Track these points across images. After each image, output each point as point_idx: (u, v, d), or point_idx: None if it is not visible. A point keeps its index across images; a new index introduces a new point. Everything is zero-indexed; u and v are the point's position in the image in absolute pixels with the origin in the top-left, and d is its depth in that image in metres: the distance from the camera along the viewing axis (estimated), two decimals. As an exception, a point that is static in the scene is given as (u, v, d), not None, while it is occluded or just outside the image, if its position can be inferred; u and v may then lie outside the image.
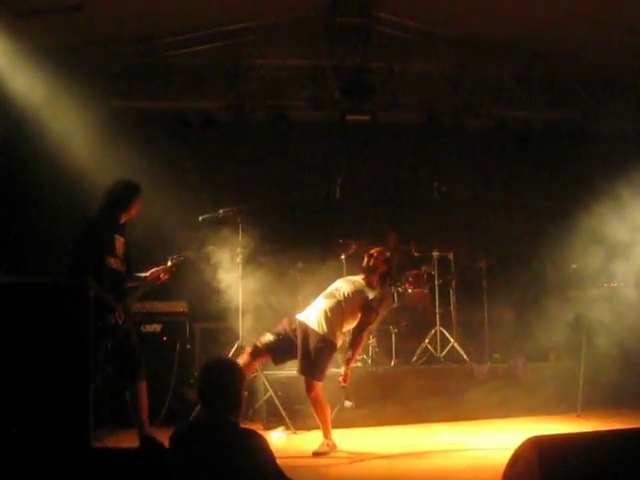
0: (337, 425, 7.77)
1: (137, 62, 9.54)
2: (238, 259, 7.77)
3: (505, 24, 9.30)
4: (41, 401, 4.44)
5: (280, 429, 7.66)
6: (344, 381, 6.59)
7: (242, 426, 3.71)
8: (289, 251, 9.42)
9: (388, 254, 7.04)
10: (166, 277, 6.56)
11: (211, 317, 9.03)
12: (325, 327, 6.63)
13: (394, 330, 8.77)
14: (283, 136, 9.85)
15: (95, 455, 4.29)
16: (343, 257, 9.04)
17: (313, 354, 6.57)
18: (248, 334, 7.83)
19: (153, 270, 6.50)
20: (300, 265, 9.44)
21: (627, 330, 8.48)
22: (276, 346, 6.66)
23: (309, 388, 6.56)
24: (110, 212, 6.20)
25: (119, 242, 6.22)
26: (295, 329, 6.72)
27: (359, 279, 6.91)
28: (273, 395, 7.68)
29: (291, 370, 8.59)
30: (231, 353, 7.69)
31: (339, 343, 6.81)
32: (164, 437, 3.76)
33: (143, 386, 6.09)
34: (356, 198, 10.01)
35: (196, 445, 3.56)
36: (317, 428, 7.70)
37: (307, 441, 7.30)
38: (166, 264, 6.56)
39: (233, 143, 9.97)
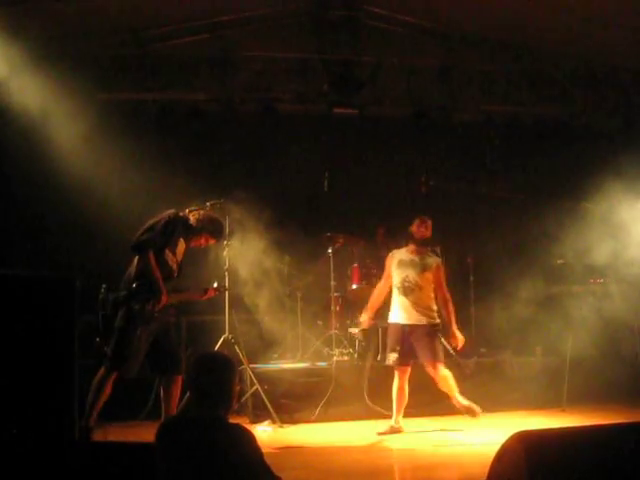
0: (324, 419, 7.80)
1: (124, 53, 9.47)
2: (225, 252, 7.73)
3: (494, 19, 9.31)
4: (25, 393, 4.40)
5: (266, 423, 7.65)
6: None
7: (230, 421, 3.69)
8: (276, 244, 9.40)
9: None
10: (209, 296, 6.78)
11: (198, 310, 9.01)
12: (427, 314, 7.32)
13: (380, 324, 8.75)
14: (271, 129, 9.81)
15: (80, 448, 4.25)
16: (330, 250, 9.02)
17: (434, 342, 7.26)
18: (234, 327, 7.79)
19: (212, 288, 6.75)
20: (287, 258, 9.43)
21: (613, 326, 8.50)
22: (404, 356, 7.29)
23: (436, 371, 7.25)
24: (189, 226, 6.46)
25: (182, 246, 6.42)
26: (405, 332, 7.33)
27: (412, 256, 7.46)
28: (259, 389, 7.66)
29: (276, 364, 8.62)
30: (217, 347, 7.66)
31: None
32: (149, 430, 3.73)
33: (179, 379, 6.15)
34: (344, 191, 9.98)
35: (183, 438, 3.53)
36: (303, 422, 7.74)
37: (293, 434, 7.30)
38: (212, 287, 6.79)
39: (220, 135, 9.92)
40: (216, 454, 3.42)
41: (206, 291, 6.68)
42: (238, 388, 3.83)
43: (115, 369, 5.97)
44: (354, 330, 8.78)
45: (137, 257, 6.13)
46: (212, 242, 6.75)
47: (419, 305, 7.32)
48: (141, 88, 9.60)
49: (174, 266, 6.32)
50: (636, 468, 3.85)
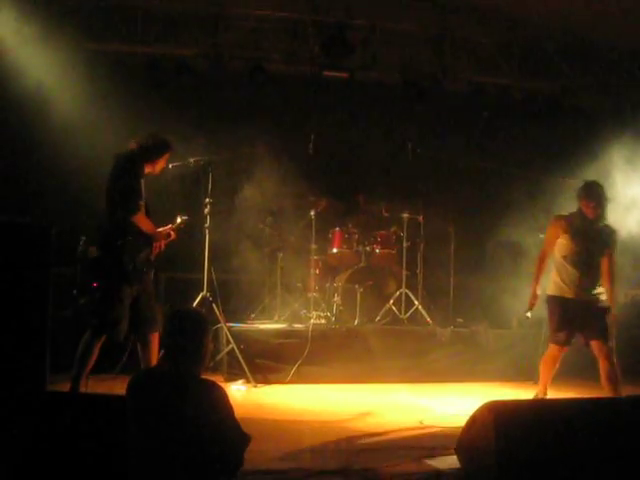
0: (298, 381, 7.84)
1: (114, 5, 9.33)
2: (206, 210, 7.68)
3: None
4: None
5: (240, 382, 7.67)
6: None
7: (203, 377, 3.69)
8: (258, 204, 9.37)
9: None
10: (174, 237, 6.44)
11: (177, 267, 8.99)
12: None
13: (359, 289, 8.77)
14: (259, 88, 9.72)
15: (50, 398, 4.24)
16: (313, 213, 9.01)
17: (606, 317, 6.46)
18: (213, 285, 7.77)
19: (165, 228, 6.34)
20: (270, 219, 9.41)
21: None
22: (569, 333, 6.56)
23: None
24: (138, 158, 6.09)
25: (143, 187, 6.10)
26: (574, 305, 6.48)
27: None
28: (235, 348, 7.66)
29: (253, 324, 8.63)
30: (195, 304, 7.65)
31: None
32: (123, 384, 3.72)
33: (156, 336, 5.99)
34: (329, 155, 9.94)
35: (154, 392, 3.54)
36: (277, 382, 7.77)
37: (267, 395, 7.33)
38: (174, 222, 6.43)
39: (207, 92, 9.82)
40: (186, 409, 3.43)
41: (168, 235, 6.32)
42: (212, 345, 3.82)
43: (104, 332, 5.83)
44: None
45: (105, 207, 5.93)
46: (167, 157, 6.41)
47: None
48: (130, 41, 9.47)
49: (145, 210, 6.08)
50: (599, 441, 3.91)
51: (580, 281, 6.42)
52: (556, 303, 6.55)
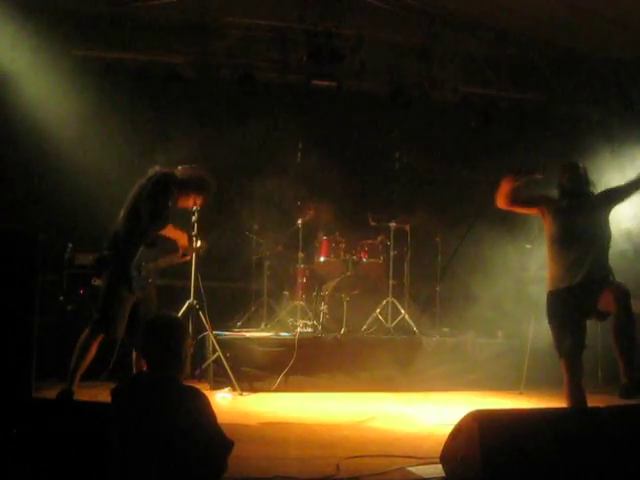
0: (284, 389, 7.84)
1: (103, 11, 9.31)
2: (193, 218, 7.67)
3: (479, 2, 9.29)
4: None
5: (226, 390, 7.67)
6: None
7: (185, 384, 3.70)
8: (246, 212, 9.39)
9: None
10: (189, 259, 6.70)
11: (164, 274, 8.96)
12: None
13: (346, 298, 8.79)
14: (247, 96, 9.72)
15: (35, 405, 4.23)
16: (300, 221, 9.03)
17: None
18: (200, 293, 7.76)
19: (188, 247, 6.62)
20: (256, 227, 9.43)
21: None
22: None
23: None
24: (179, 185, 6.22)
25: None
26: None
27: None
28: (221, 355, 7.66)
29: (239, 332, 8.63)
30: (181, 312, 7.64)
31: None
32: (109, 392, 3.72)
33: None
34: (316, 164, 9.95)
35: (137, 400, 3.54)
36: (263, 391, 7.77)
37: (253, 403, 7.33)
38: (195, 244, 6.68)
39: (196, 100, 9.82)
40: (169, 416, 3.43)
41: (185, 254, 6.62)
42: (190, 350, 3.84)
43: (101, 331, 5.87)
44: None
45: (124, 215, 6.01)
46: (200, 203, 6.55)
47: None
48: (119, 48, 9.45)
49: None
50: (584, 450, 3.93)
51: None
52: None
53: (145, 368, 5.59)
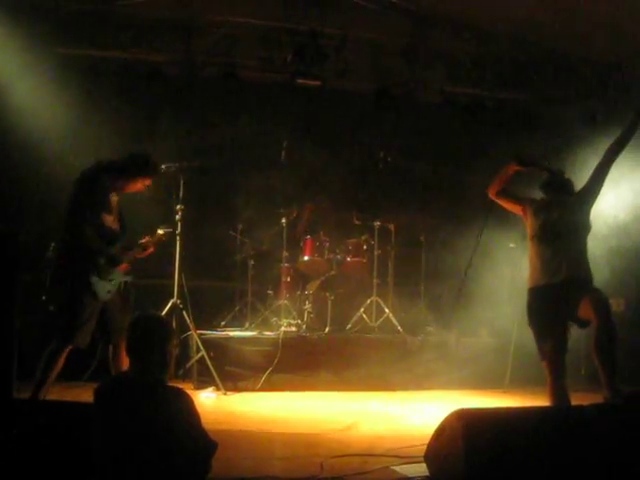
0: (269, 389, 7.83)
1: (87, 9, 9.25)
2: (177, 217, 7.65)
3: (464, 2, 9.31)
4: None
5: (210, 389, 7.65)
6: None
7: (169, 384, 3.68)
8: (230, 211, 9.37)
9: None
10: (153, 250, 6.37)
11: (147, 273, 8.93)
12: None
13: (330, 297, 8.79)
14: (232, 95, 9.70)
15: (17, 406, 4.20)
16: (284, 221, 9.02)
17: None
18: (183, 292, 7.74)
19: (146, 239, 6.31)
20: (240, 226, 9.41)
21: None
22: None
23: None
24: (112, 170, 5.98)
25: (114, 201, 6.00)
26: None
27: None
28: (205, 355, 7.64)
29: (223, 331, 8.61)
30: (165, 311, 7.62)
31: None
32: (91, 392, 3.70)
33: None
34: (301, 163, 9.95)
35: (121, 400, 3.52)
36: (247, 390, 7.76)
37: (237, 402, 7.31)
38: (154, 235, 6.39)
39: (179, 98, 9.78)
40: (152, 417, 3.41)
41: (145, 248, 6.28)
42: (176, 350, 3.82)
43: (68, 342, 5.73)
44: None
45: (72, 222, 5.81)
46: (149, 183, 6.24)
47: None
48: (103, 46, 9.39)
49: (114, 226, 5.99)
50: (567, 448, 3.94)
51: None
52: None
53: (124, 368, 5.59)
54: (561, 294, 5.54)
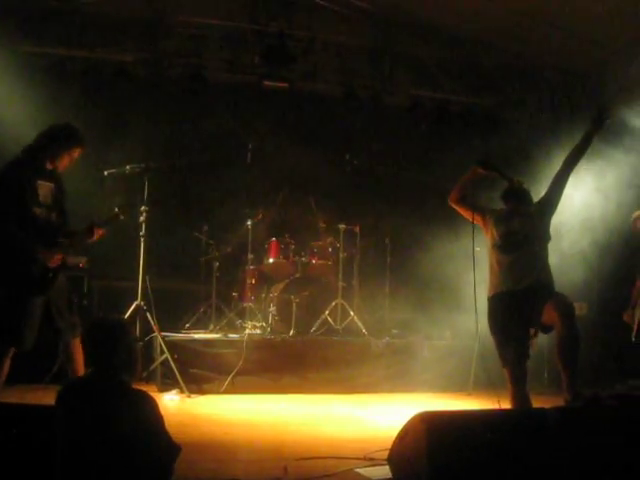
0: (233, 391, 7.80)
1: (52, 7, 9.16)
2: (142, 218, 7.60)
3: (431, 6, 9.37)
4: None
5: (174, 392, 7.60)
6: None
7: (132, 387, 3.65)
8: (195, 213, 9.33)
9: None
10: (102, 232, 6.05)
11: (111, 275, 8.87)
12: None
13: (295, 300, 8.78)
14: (198, 96, 9.66)
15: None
16: (249, 223, 9.00)
17: None
18: (147, 294, 7.69)
19: (87, 231, 5.96)
20: (205, 228, 9.38)
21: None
22: None
23: None
24: (33, 156, 5.70)
25: (45, 188, 5.68)
26: None
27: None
28: (169, 357, 7.58)
29: (188, 333, 8.56)
30: (128, 313, 7.57)
31: None
32: (53, 394, 3.66)
33: (78, 341, 5.57)
34: (267, 165, 9.94)
35: (84, 403, 3.48)
36: (212, 393, 7.72)
37: (201, 405, 7.27)
38: (92, 226, 5.98)
39: (146, 99, 9.72)
40: (115, 419, 3.38)
41: (91, 229, 5.92)
42: (136, 354, 3.77)
43: (9, 345, 5.49)
44: None
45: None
46: (78, 151, 5.90)
47: None
48: (69, 45, 9.31)
49: (45, 215, 5.67)
50: (529, 451, 3.97)
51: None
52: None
53: (79, 368, 5.51)
54: (524, 300, 5.56)
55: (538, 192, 6.01)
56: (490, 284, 5.83)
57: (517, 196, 5.83)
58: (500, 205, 5.99)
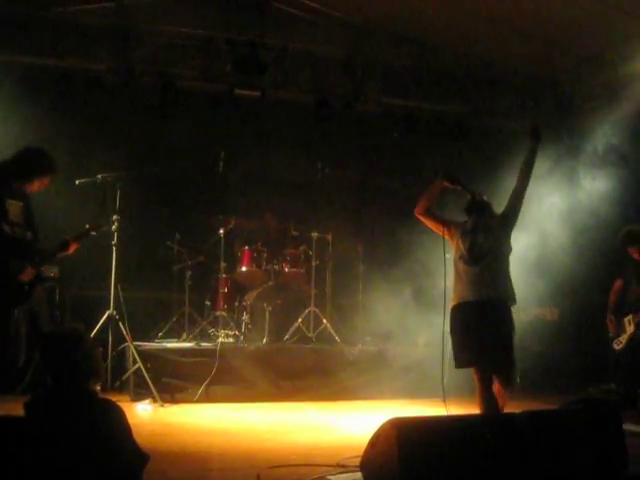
0: (206, 400, 7.78)
1: (24, 15, 9.10)
2: (114, 227, 7.57)
3: (400, 13, 9.44)
4: None
5: (147, 401, 7.57)
6: None
7: (99, 396, 3.63)
8: (167, 222, 9.30)
9: None
10: (75, 246, 6.19)
11: (83, 284, 8.82)
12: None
13: (268, 308, 8.78)
14: (170, 104, 9.64)
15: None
16: (222, 231, 8.99)
17: None
18: (120, 304, 7.66)
19: (60, 245, 6.13)
20: (177, 236, 9.36)
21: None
22: None
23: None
24: (3, 176, 5.80)
25: (15, 207, 5.81)
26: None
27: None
28: (142, 367, 7.55)
29: (160, 342, 8.54)
30: (101, 322, 7.54)
31: None
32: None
33: None
34: (239, 173, 9.94)
35: (51, 413, 3.46)
36: (185, 402, 7.69)
37: (174, 414, 7.25)
38: (67, 242, 6.17)
39: (118, 108, 9.68)
40: (83, 429, 3.36)
41: (65, 244, 6.10)
42: (98, 362, 3.75)
43: None
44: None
45: None
46: (49, 179, 6.08)
47: None
48: (40, 53, 9.24)
49: (17, 233, 5.81)
50: (500, 455, 4.01)
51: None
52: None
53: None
54: (482, 310, 5.73)
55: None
56: (454, 294, 5.94)
57: (479, 209, 5.95)
58: (463, 217, 6.07)
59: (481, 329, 5.71)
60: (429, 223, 6.19)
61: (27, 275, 5.69)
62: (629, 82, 9.24)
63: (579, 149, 9.89)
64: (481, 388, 5.72)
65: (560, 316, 9.92)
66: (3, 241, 5.65)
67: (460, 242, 5.93)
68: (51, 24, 9.20)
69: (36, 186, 6.00)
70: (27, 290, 5.69)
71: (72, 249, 6.14)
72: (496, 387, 5.71)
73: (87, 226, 6.27)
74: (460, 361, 5.83)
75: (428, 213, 6.10)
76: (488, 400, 5.67)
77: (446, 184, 5.97)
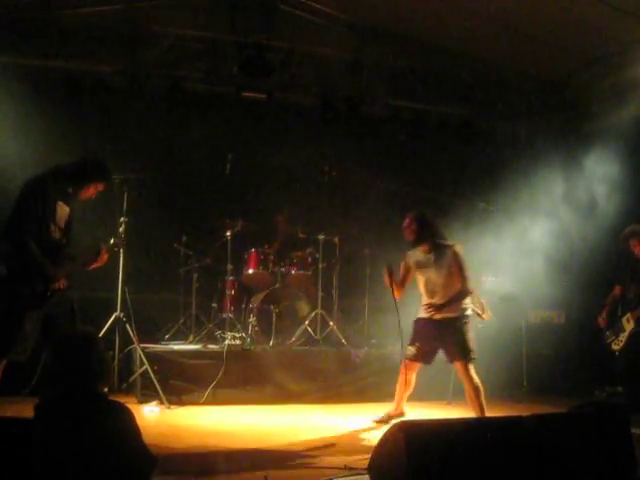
0: (213, 402, 7.78)
1: (30, 17, 9.12)
2: (121, 229, 7.58)
3: (408, 17, 9.44)
4: None
5: (154, 403, 7.57)
6: None
7: (109, 399, 3.63)
8: (174, 224, 9.30)
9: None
10: (103, 262, 6.25)
11: (89, 286, 8.82)
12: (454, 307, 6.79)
13: (275, 310, 8.78)
14: (177, 107, 9.65)
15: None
16: (228, 234, 8.99)
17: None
18: (127, 305, 7.66)
19: (91, 255, 6.17)
20: (184, 239, 9.36)
21: (503, 324, 8.76)
22: (420, 353, 7.00)
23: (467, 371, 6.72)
24: (58, 177, 5.84)
25: (62, 210, 5.86)
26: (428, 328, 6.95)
27: (422, 251, 7.02)
28: (149, 369, 7.56)
29: (167, 344, 8.54)
30: (108, 324, 7.55)
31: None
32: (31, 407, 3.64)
33: None
34: (246, 176, 9.94)
35: (61, 416, 3.46)
36: (192, 404, 7.69)
37: (181, 416, 7.25)
38: (101, 250, 6.20)
39: (125, 110, 9.69)
40: (92, 431, 3.37)
41: (98, 254, 6.15)
42: (108, 364, 3.74)
43: (3, 356, 5.57)
44: None
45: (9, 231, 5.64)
46: (101, 188, 6.15)
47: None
48: (46, 55, 9.26)
49: (57, 235, 5.84)
50: (508, 458, 4.01)
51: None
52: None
53: None
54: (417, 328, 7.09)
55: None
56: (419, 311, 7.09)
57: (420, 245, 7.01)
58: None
59: (429, 338, 7.00)
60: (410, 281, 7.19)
61: (59, 285, 5.75)
62: (637, 85, 9.21)
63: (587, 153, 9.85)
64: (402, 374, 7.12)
65: (567, 319, 9.90)
66: (46, 243, 5.70)
67: (416, 274, 7.10)
68: (58, 27, 9.21)
69: (90, 192, 6.08)
70: (48, 296, 5.73)
71: (102, 260, 6.24)
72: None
73: (103, 247, 6.32)
74: (406, 354, 7.06)
75: (403, 286, 7.16)
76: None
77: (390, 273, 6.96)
